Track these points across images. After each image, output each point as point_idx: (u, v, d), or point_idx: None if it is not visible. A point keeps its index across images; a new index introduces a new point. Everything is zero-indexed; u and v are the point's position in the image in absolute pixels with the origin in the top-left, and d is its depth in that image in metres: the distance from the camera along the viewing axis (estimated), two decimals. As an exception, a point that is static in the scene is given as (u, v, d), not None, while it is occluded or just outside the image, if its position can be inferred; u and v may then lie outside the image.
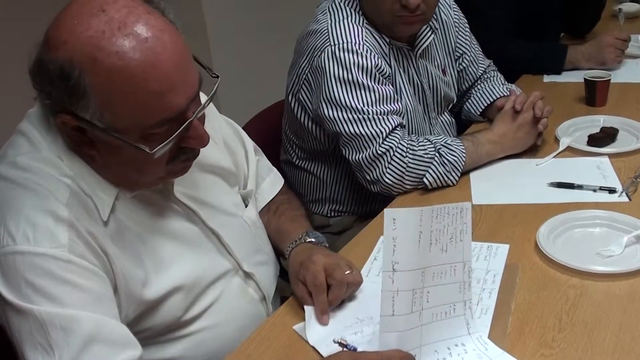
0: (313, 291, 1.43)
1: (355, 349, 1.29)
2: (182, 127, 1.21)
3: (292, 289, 1.52)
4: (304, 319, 1.42)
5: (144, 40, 1.14)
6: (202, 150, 1.37)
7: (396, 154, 1.88)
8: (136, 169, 1.27)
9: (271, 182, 1.76)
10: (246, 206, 1.61)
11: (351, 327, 1.40)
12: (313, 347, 1.35)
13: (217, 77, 1.29)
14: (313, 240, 1.58)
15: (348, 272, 1.44)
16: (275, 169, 1.81)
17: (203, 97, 1.31)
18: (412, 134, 2.06)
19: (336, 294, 1.42)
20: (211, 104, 1.59)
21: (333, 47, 1.91)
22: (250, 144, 1.71)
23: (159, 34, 1.16)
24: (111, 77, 1.13)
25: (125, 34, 1.13)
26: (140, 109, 1.16)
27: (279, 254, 1.66)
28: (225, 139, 1.61)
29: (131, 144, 1.19)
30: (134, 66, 1.13)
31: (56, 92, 1.17)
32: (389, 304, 1.20)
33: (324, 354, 1.32)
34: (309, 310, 1.44)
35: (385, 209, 1.13)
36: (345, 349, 1.29)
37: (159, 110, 1.18)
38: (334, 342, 1.30)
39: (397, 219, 1.13)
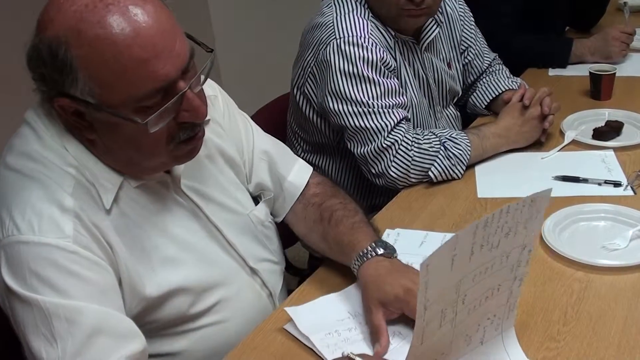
0: None
1: None
2: (175, 98, 1.21)
3: (366, 313, 1.40)
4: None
5: (125, 9, 1.15)
6: (213, 138, 1.36)
7: (401, 147, 1.88)
8: (136, 149, 1.26)
9: (297, 173, 1.66)
10: (256, 204, 1.59)
11: (343, 322, 1.40)
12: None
13: (212, 51, 1.29)
14: (383, 251, 1.45)
15: None
16: (300, 159, 1.71)
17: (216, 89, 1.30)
18: (417, 127, 2.06)
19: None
20: (230, 100, 1.59)
21: (338, 41, 1.91)
22: (261, 140, 1.64)
23: (141, 3, 1.17)
24: (95, 47, 1.14)
25: (107, 4, 1.14)
26: (127, 78, 1.16)
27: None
28: (235, 133, 1.59)
29: (124, 118, 1.19)
30: (116, 34, 1.14)
31: (48, 73, 1.18)
32: (419, 336, 1.14)
33: (319, 347, 1.32)
34: (308, 305, 1.44)
35: (421, 263, 1.03)
36: None
37: (146, 78, 1.17)
38: (343, 355, 1.26)
39: (430, 265, 1.05)
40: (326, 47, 1.93)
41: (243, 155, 1.59)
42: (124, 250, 1.29)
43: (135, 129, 1.20)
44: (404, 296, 1.33)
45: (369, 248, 1.45)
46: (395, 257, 1.47)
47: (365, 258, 1.44)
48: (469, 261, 1.12)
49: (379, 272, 1.40)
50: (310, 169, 1.70)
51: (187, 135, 1.29)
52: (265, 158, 1.63)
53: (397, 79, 2.00)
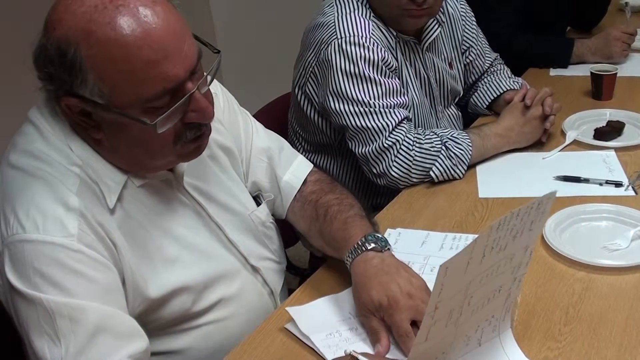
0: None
1: None
2: (183, 99, 1.21)
3: (360, 316, 1.38)
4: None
5: (136, 10, 1.15)
6: (214, 136, 1.35)
7: (402, 147, 1.88)
8: (143, 149, 1.27)
9: (294, 172, 1.65)
10: (258, 205, 1.59)
11: (345, 322, 1.40)
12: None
13: (219, 52, 1.29)
14: (374, 245, 1.41)
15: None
16: (300, 156, 1.70)
17: (217, 87, 1.30)
18: (419, 127, 2.06)
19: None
20: (231, 97, 1.58)
21: (340, 40, 1.91)
22: (260, 139, 1.64)
23: (150, 5, 1.17)
24: (105, 48, 1.14)
25: (117, 6, 1.15)
26: (137, 79, 1.17)
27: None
28: (234, 129, 1.59)
29: (133, 118, 1.19)
30: (126, 35, 1.14)
31: (56, 72, 1.18)
32: (424, 333, 1.15)
33: (320, 347, 1.32)
34: (310, 305, 1.44)
35: (441, 264, 1.03)
36: None
37: (156, 79, 1.17)
38: (345, 353, 1.26)
39: (449, 268, 1.05)
40: (327, 46, 1.93)
41: (241, 153, 1.59)
42: (127, 250, 1.29)
43: (143, 129, 1.20)
44: (387, 306, 1.30)
45: (359, 243, 1.41)
46: (387, 249, 1.42)
47: (355, 254, 1.41)
48: (480, 264, 1.12)
49: (367, 273, 1.37)
50: (309, 166, 1.69)
51: (193, 134, 1.29)
52: (263, 158, 1.62)
53: (399, 79, 2.00)
